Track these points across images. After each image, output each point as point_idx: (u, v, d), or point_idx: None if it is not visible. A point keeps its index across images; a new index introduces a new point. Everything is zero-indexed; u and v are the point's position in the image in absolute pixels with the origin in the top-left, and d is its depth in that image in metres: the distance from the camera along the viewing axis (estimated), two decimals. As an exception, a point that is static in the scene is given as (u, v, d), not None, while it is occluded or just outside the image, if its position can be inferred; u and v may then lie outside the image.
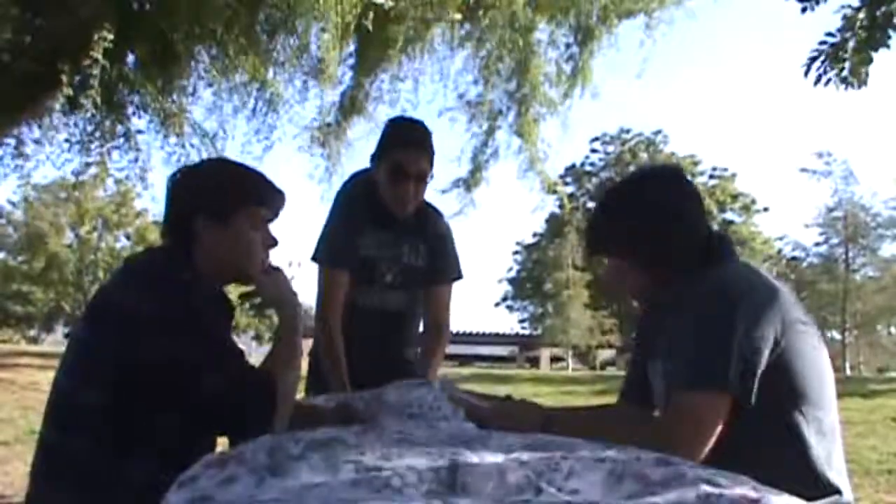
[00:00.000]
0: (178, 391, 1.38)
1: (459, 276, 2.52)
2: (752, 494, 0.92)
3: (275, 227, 1.64)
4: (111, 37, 5.11)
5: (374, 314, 2.40)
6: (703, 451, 1.29)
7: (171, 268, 1.52)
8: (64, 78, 5.30)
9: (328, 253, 2.36)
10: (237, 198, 1.56)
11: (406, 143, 2.28)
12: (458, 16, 6.34)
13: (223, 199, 1.55)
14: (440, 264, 2.48)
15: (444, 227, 2.52)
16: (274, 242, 1.62)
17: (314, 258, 2.40)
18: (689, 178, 1.70)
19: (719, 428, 1.31)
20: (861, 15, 4.40)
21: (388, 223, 2.35)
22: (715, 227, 1.74)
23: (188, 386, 1.39)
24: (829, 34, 4.49)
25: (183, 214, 1.56)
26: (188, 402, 1.39)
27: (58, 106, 6.07)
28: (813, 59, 4.53)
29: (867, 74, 4.50)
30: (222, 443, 1.51)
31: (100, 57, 5.09)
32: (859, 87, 4.53)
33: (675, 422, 1.36)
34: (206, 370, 1.40)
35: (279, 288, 1.59)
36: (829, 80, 4.53)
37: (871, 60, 4.45)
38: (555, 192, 8.67)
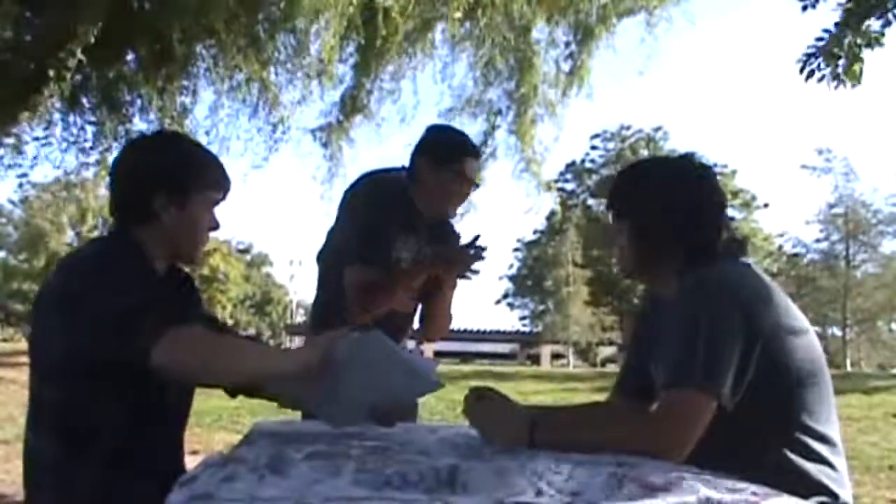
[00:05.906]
0: (120, 349, 1.30)
1: None
2: (753, 499, 0.93)
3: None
4: (91, 40, 5.10)
5: (391, 314, 2.37)
6: (687, 449, 1.28)
7: (115, 252, 1.48)
8: (65, 76, 5.30)
9: (366, 255, 2.32)
10: (198, 180, 1.53)
11: (469, 152, 2.40)
12: (459, 14, 6.34)
13: (186, 180, 1.51)
14: None
15: (456, 230, 2.59)
16: (216, 226, 1.58)
17: (350, 261, 2.36)
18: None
19: (703, 425, 1.30)
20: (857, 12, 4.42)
21: (416, 227, 2.40)
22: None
23: (126, 341, 1.29)
24: (826, 31, 4.50)
25: (142, 191, 1.49)
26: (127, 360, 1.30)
27: (58, 105, 6.07)
28: (809, 56, 4.54)
29: (861, 72, 4.50)
30: (219, 445, 1.51)
31: (79, 53, 5.07)
32: (853, 85, 4.53)
33: (658, 420, 1.36)
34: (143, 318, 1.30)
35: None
36: (822, 77, 4.54)
37: (864, 47, 4.48)
38: (557, 189, 8.69)
